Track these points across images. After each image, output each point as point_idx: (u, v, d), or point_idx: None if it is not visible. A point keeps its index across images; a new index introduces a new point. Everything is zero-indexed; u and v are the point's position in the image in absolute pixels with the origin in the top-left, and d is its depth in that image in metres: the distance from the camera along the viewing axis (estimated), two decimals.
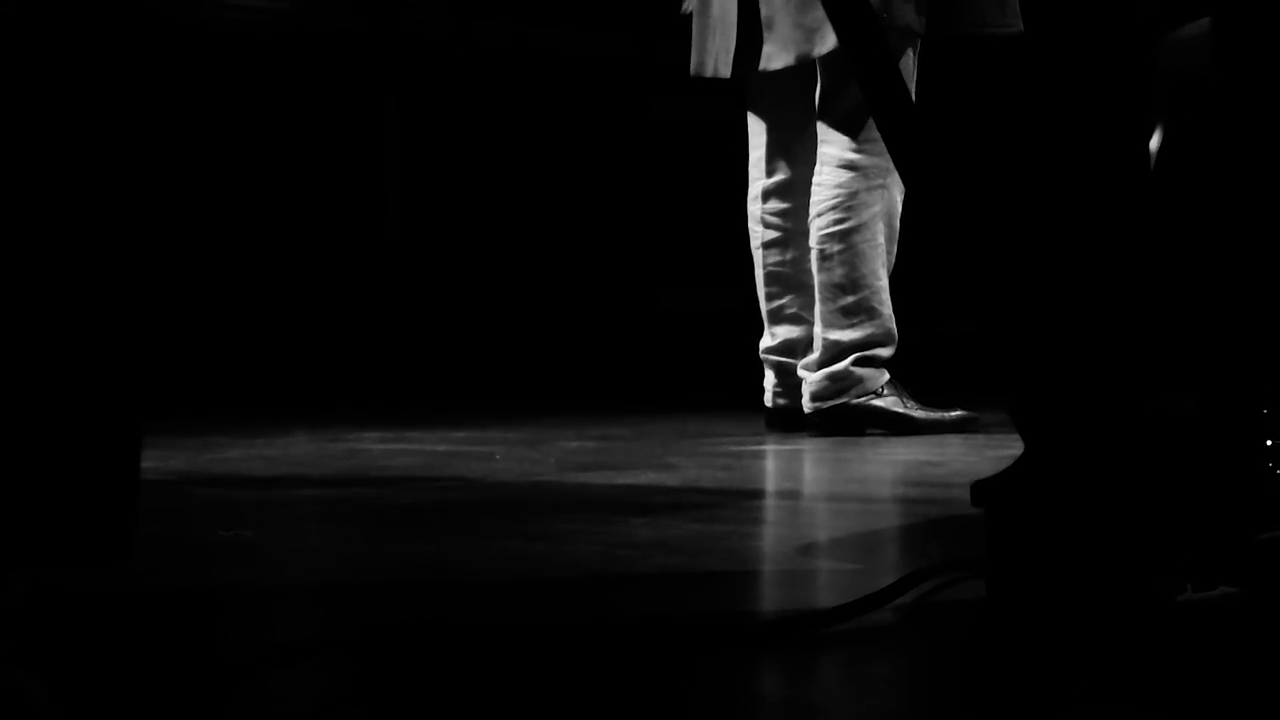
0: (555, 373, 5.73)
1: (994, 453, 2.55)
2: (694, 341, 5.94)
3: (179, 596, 1.27)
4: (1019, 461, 0.96)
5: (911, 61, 3.11)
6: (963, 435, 3.06)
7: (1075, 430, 0.94)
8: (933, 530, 1.62)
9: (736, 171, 3.44)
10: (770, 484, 2.20)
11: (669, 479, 2.16)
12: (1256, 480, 0.97)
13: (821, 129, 3.16)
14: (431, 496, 2.02)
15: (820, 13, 3.04)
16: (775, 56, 3.11)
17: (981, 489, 0.93)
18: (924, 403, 3.15)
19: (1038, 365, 1.02)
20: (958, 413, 3.14)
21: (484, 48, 5.82)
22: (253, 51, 5.50)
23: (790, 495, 2.03)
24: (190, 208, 5.33)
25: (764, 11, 3.12)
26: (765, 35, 3.13)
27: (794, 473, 2.43)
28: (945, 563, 1.20)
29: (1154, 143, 2.32)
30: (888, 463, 2.48)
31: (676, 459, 2.52)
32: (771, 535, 1.64)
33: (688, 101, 5.55)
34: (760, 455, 2.68)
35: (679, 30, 3.39)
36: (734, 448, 2.80)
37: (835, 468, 2.44)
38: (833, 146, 3.13)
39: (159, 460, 2.64)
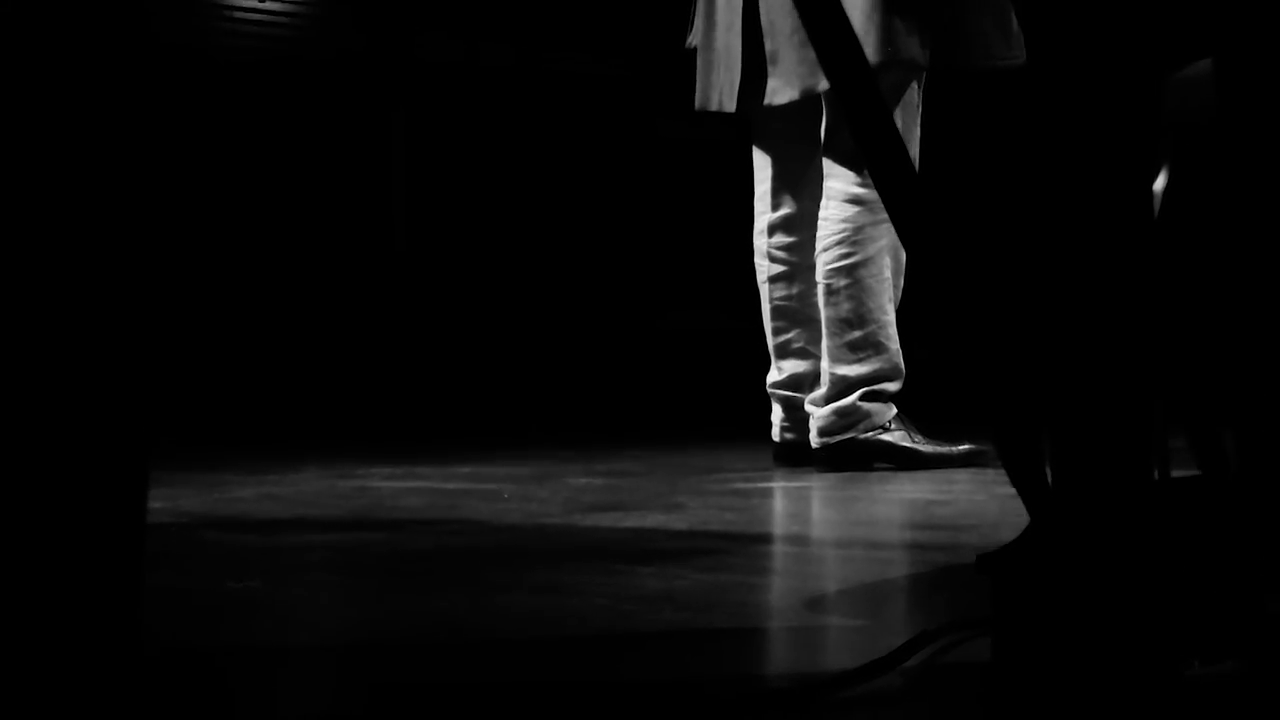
0: (563, 395, 5.74)
1: (1001, 489, 2.54)
2: (701, 364, 5.94)
3: (186, 660, 1.27)
4: (1025, 533, 0.96)
5: (916, 94, 3.12)
6: (970, 469, 3.05)
7: (1080, 502, 0.94)
8: (941, 580, 1.62)
9: (741, 193, 3.44)
10: (777, 527, 2.20)
11: (676, 521, 2.16)
12: (1269, 550, 0.97)
13: (826, 163, 3.16)
14: (439, 542, 2.02)
15: None
16: (780, 91, 3.12)
17: (988, 562, 0.93)
18: (931, 436, 3.15)
19: (1038, 431, 1.02)
20: (965, 446, 3.14)
21: (491, 72, 5.85)
22: (263, 78, 5.52)
23: (797, 540, 2.03)
24: (199, 234, 5.35)
25: (768, 45, 3.12)
26: (770, 69, 3.14)
27: (801, 514, 2.43)
28: (952, 623, 1.20)
29: (1159, 184, 2.31)
30: (895, 502, 2.48)
31: (684, 498, 2.52)
32: (779, 586, 1.64)
33: (692, 125, 5.57)
34: (767, 494, 2.68)
35: (683, 55, 3.39)
36: (741, 485, 2.80)
37: (842, 508, 2.43)
38: (838, 181, 3.13)
39: (170, 500, 2.64)
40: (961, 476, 2.91)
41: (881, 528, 2.15)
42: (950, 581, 1.60)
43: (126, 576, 0.97)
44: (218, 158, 5.38)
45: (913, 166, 1.25)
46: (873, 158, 1.26)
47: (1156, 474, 1.03)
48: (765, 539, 2.04)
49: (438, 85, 5.78)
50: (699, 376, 5.86)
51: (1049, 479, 0.99)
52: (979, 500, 2.39)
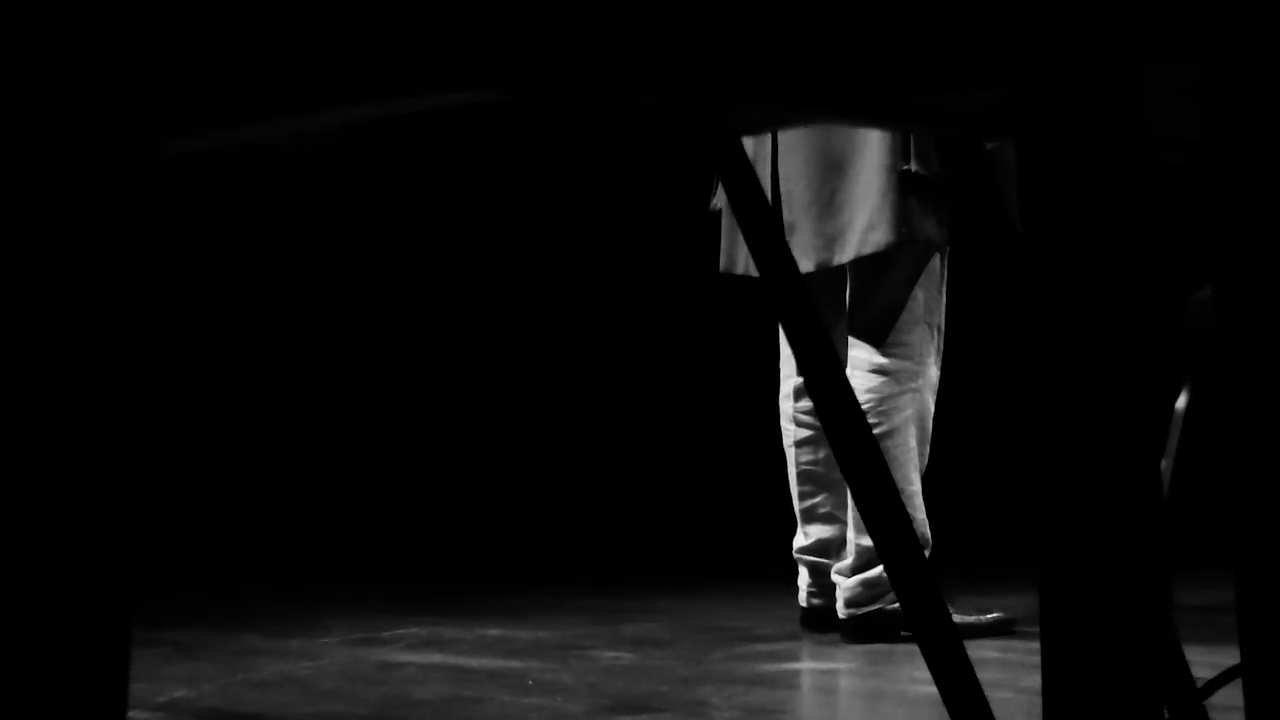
0: (597, 500, 5.71)
1: (1026, 679, 2.52)
2: (732, 453, 5.91)
3: None
4: None
5: (940, 265, 3.11)
6: (999, 639, 3.04)
7: None
8: None
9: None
10: None
11: None
12: None
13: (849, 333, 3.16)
14: None
15: (841, 220, 3.05)
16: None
17: None
18: (959, 605, 3.13)
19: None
20: (994, 615, 3.13)
21: (519, 166, 5.87)
22: (286, 178, 5.55)
23: None
24: (221, 342, 5.38)
25: (786, 215, 3.12)
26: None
27: None
28: None
29: (1180, 402, 2.29)
30: (921, 702, 2.46)
31: (708, 690, 2.52)
32: None
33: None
34: (794, 682, 2.66)
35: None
36: (768, 666, 2.78)
37: (868, 711, 2.42)
38: (862, 350, 3.12)
39: (190, 684, 2.65)
40: (989, 654, 2.88)
41: None
42: None
43: None
44: (233, 263, 5.41)
45: (844, 376, 1.23)
46: (803, 365, 1.25)
47: None
48: None
49: (467, 188, 5.81)
50: (730, 471, 5.83)
51: None
52: (1004, 699, 2.37)
